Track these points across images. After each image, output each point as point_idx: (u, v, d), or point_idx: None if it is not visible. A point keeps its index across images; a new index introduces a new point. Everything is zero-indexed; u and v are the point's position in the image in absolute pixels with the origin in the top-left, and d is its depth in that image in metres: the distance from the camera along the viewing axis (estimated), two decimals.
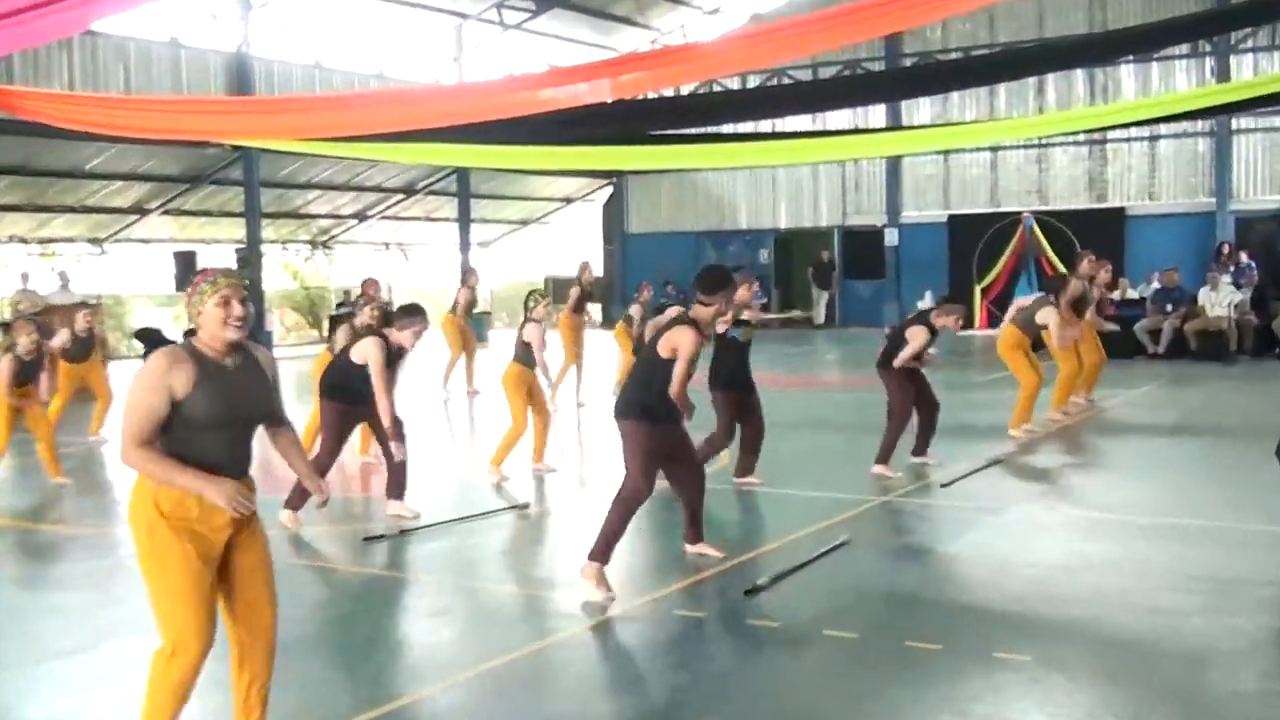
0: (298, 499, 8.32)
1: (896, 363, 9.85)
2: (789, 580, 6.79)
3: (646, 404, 6.81)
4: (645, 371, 6.91)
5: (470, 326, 17.20)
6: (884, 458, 9.98)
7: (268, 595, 4.32)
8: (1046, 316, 12.23)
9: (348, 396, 8.41)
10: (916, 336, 9.89)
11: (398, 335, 8.36)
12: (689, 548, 7.37)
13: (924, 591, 6.67)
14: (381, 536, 8.04)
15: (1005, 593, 6.52)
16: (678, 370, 6.72)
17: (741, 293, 8.60)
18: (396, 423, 8.27)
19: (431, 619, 6.36)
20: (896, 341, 10.04)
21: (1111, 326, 14.34)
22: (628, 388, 7.01)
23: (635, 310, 15.76)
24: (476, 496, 9.46)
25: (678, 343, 6.76)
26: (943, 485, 9.43)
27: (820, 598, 6.53)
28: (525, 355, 10.12)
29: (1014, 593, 6.51)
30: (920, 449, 10.28)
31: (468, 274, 17.68)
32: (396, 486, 8.57)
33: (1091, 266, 13.05)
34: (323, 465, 8.16)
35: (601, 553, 6.66)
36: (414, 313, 8.43)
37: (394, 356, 8.39)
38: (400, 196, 31.00)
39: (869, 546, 7.70)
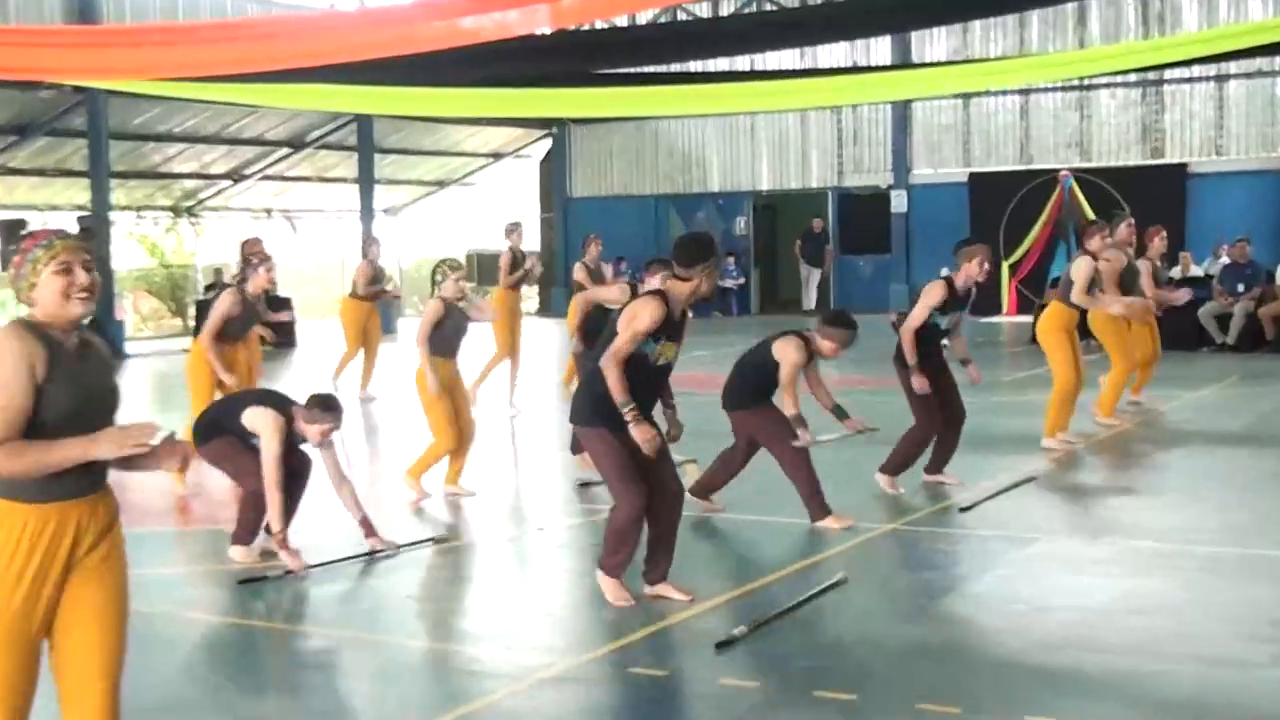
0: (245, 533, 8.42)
1: (906, 326, 9.87)
2: (771, 629, 6.80)
3: (605, 406, 6.92)
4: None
5: (377, 312, 17.10)
6: (893, 468, 10.04)
7: (106, 643, 4.22)
8: (1077, 269, 12.15)
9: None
10: (930, 293, 9.95)
11: (301, 426, 8.25)
12: (648, 589, 7.40)
13: (938, 641, 6.70)
14: (263, 578, 8.00)
15: (1038, 642, 6.57)
16: (617, 342, 6.89)
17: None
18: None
19: (323, 681, 6.33)
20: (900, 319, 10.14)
21: (1180, 297, 14.33)
22: (582, 386, 7.08)
23: (579, 272, 15.65)
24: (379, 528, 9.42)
25: (635, 314, 6.90)
26: (962, 509, 9.49)
27: (810, 651, 6.54)
28: (441, 344, 10.09)
29: (1048, 641, 6.56)
30: (936, 465, 10.34)
31: (369, 244, 17.59)
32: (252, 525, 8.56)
33: (1129, 232, 13.03)
34: (256, 500, 8.25)
35: (619, 567, 7.25)
36: (329, 408, 8.30)
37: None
38: (285, 151, 30.84)
39: (871, 586, 7.72)
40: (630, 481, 7.05)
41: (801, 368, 9.05)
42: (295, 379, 18.94)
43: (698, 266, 7.04)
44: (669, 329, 7.08)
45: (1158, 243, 13.71)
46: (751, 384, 9.27)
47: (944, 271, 11.08)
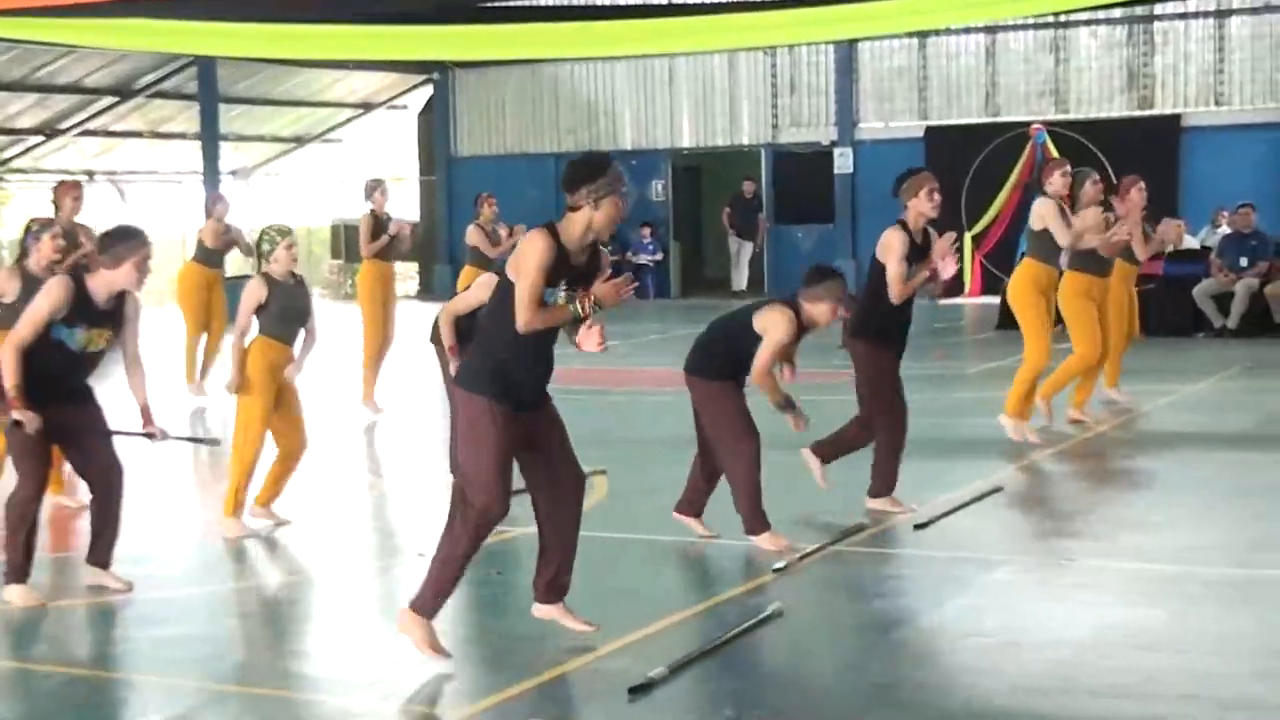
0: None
1: (896, 292, 9.81)
2: (694, 671, 6.79)
3: (498, 372, 6.87)
4: (492, 321, 6.97)
5: (220, 285, 16.87)
6: (884, 487, 10.05)
7: None
8: (1040, 211, 12.41)
9: (35, 395, 8.21)
10: (892, 244, 9.90)
11: (109, 275, 8.16)
12: (537, 609, 7.37)
13: (890, 683, 6.71)
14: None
15: (1009, 682, 6.60)
16: (519, 293, 6.75)
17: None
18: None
19: None
20: (865, 293, 10.12)
21: (1173, 233, 14.43)
22: (473, 348, 7.14)
23: (473, 235, 15.71)
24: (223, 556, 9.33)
25: (521, 254, 6.82)
26: (917, 527, 9.53)
27: (740, 695, 6.53)
28: (271, 326, 9.93)
29: (1022, 682, 6.59)
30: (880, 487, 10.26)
31: (214, 202, 17.46)
32: (104, 545, 8.45)
33: (1096, 191, 13.00)
34: (20, 512, 8.14)
35: (429, 602, 6.93)
36: (127, 236, 8.25)
37: (99, 311, 8.20)
38: (110, 101, 30.52)
39: (811, 618, 7.74)
40: (498, 479, 6.85)
41: (787, 347, 9.00)
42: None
43: (582, 190, 6.88)
44: (569, 272, 6.88)
45: (1135, 194, 13.61)
46: (720, 352, 9.15)
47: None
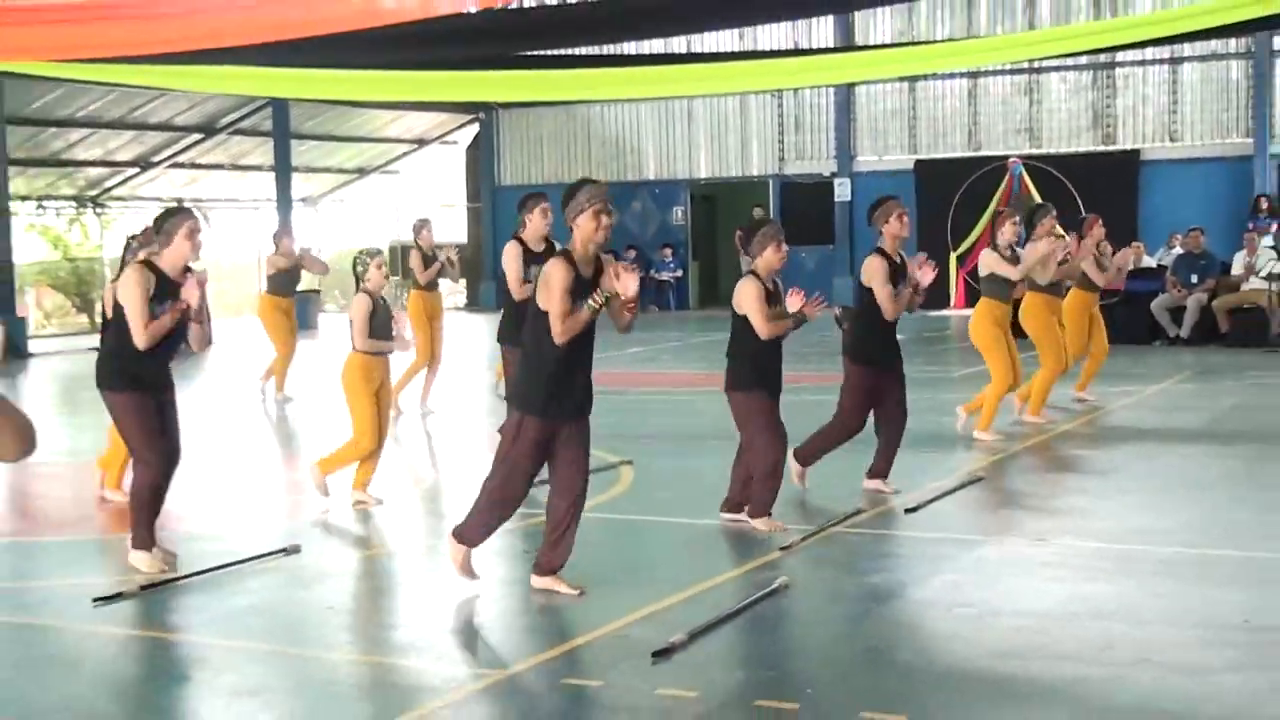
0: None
1: (889, 312, 9.85)
2: (710, 637, 6.81)
3: (547, 387, 7.27)
4: (533, 342, 7.34)
5: (292, 307, 16.78)
6: (807, 457, 10.08)
7: None
8: (985, 261, 12.68)
9: (145, 379, 8.27)
10: (874, 269, 9.90)
11: (169, 252, 8.18)
12: (536, 580, 7.61)
13: (883, 648, 6.73)
14: (119, 595, 7.84)
15: (987, 648, 6.61)
16: (552, 316, 7.16)
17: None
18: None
19: (242, 698, 6.29)
20: (859, 317, 10.10)
21: (1127, 255, 14.44)
22: (519, 371, 7.54)
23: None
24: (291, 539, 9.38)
25: (546, 280, 7.23)
26: (908, 511, 9.55)
27: (750, 659, 6.57)
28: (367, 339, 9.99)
29: (998, 648, 6.60)
30: (880, 469, 10.32)
31: (280, 236, 17.22)
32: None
33: (1050, 225, 13.20)
34: (151, 484, 8.18)
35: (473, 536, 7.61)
36: (170, 214, 8.30)
37: (170, 287, 8.21)
38: (196, 138, 30.61)
39: (814, 591, 7.75)
40: (526, 471, 7.41)
41: (766, 303, 8.86)
42: (212, 384, 18.79)
43: (568, 212, 7.32)
44: (583, 285, 7.25)
45: (1096, 230, 13.95)
46: (736, 353, 9.05)
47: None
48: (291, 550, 8.69)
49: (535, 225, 10.94)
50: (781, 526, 8.94)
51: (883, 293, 9.82)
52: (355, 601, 8.05)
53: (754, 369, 8.96)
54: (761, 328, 8.80)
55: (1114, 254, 14.52)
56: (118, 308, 8.25)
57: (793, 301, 8.89)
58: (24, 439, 3.57)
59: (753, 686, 6.13)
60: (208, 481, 11.14)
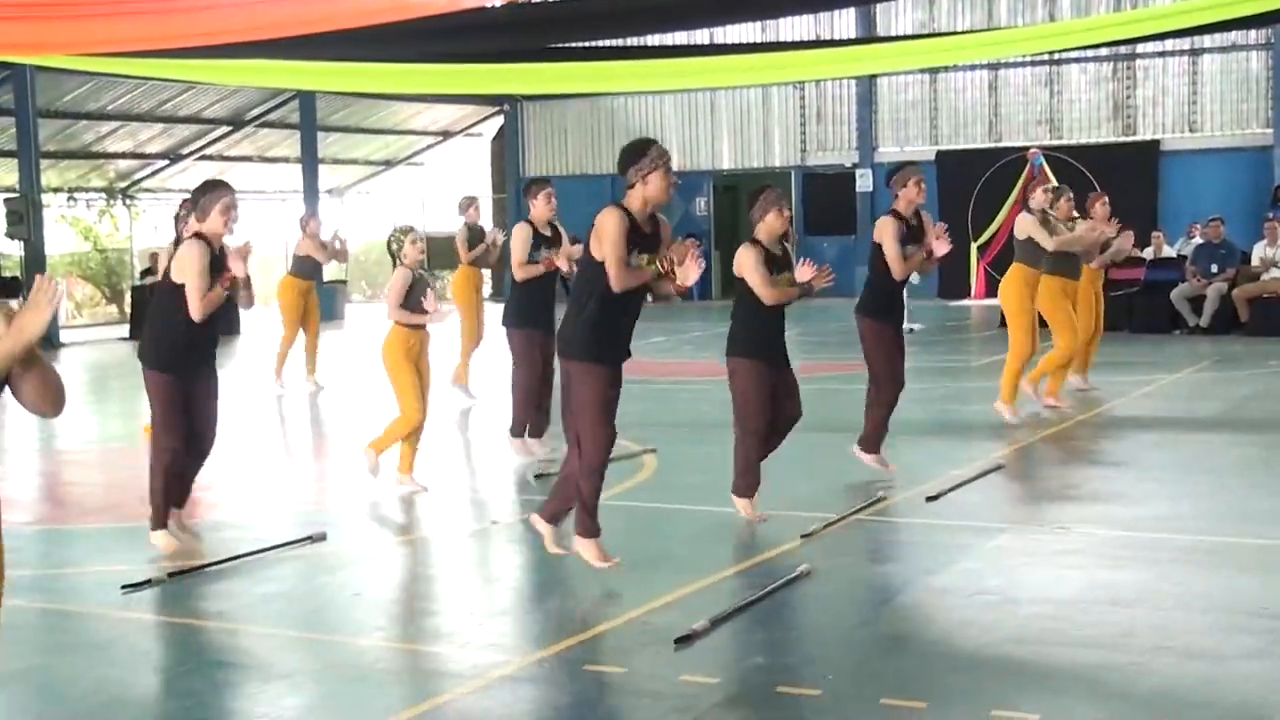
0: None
1: (897, 271, 9.85)
2: (732, 624, 6.82)
3: (596, 332, 7.36)
4: (583, 290, 7.38)
5: (314, 293, 16.83)
6: (872, 444, 10.13)
7: None
8: (1023, 224, 12.75)
9: (182, 362, 8.30)
10: (886, 229, 9.90)
11: (209, 226, 8.23)
12: (534, 517, 7.98)
13: (904, 635, 6.75)
14: (147, 582, 7.88)
15: (1007, 635, 6.61)
16: (609, 264, 7.18)
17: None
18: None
19: (269, 683, 6.32)
20: (869, 291, 10.13)
21: (1123, 241, 14.42)
22: (566, 321, 7.57)
23: (563, 254, 15.31)
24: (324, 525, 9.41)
25: (600, 228, 7.25)
26: (929, 499, 9.54)
27: (772, 646, 6.57)
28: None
29: (1018, 635, 6.61)
30: (869, 444, 10.30)
31: (306, 221, 17.15)
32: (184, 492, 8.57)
33: (1069, 207, 13.34)
34: (166, 465, 8.25)
35: (586, 523, 7.62)
36: (205, 189, 8.37)
37: (218, 260, 8.27)
38: (224, 130, 30.70)
39: (835, 578, 7.75)
40: (604, 422, 7.41)
41: (768, 267, 8.71)
42: (237, 370, 18.85)
43: (630, 170, 7.31)
44: (640, 239, 7.30)
45: (1099, 208, 13.99)
46: (736, 318, 8.93)
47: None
48: (317, 538, 8.73)
49: (540, 209, 11.18)
50: (761, 518, 8.88)
51: (892, 250, 9.85)
52: (382, 588, 8.07)
53: (751, 337, 8.83)
54: (763, 291, 8.63)
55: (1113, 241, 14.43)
56: (164, 286, 8.33)
57: (804, 271, 8.86)
58: (61, 398, 4.35)
59: (774, 673, 6.14)
60: (236, 469, 11.18)
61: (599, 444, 7.41)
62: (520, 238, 11.12)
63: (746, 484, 8.89)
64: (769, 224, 8.78)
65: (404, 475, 10.21)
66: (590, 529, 7.59)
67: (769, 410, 8.83)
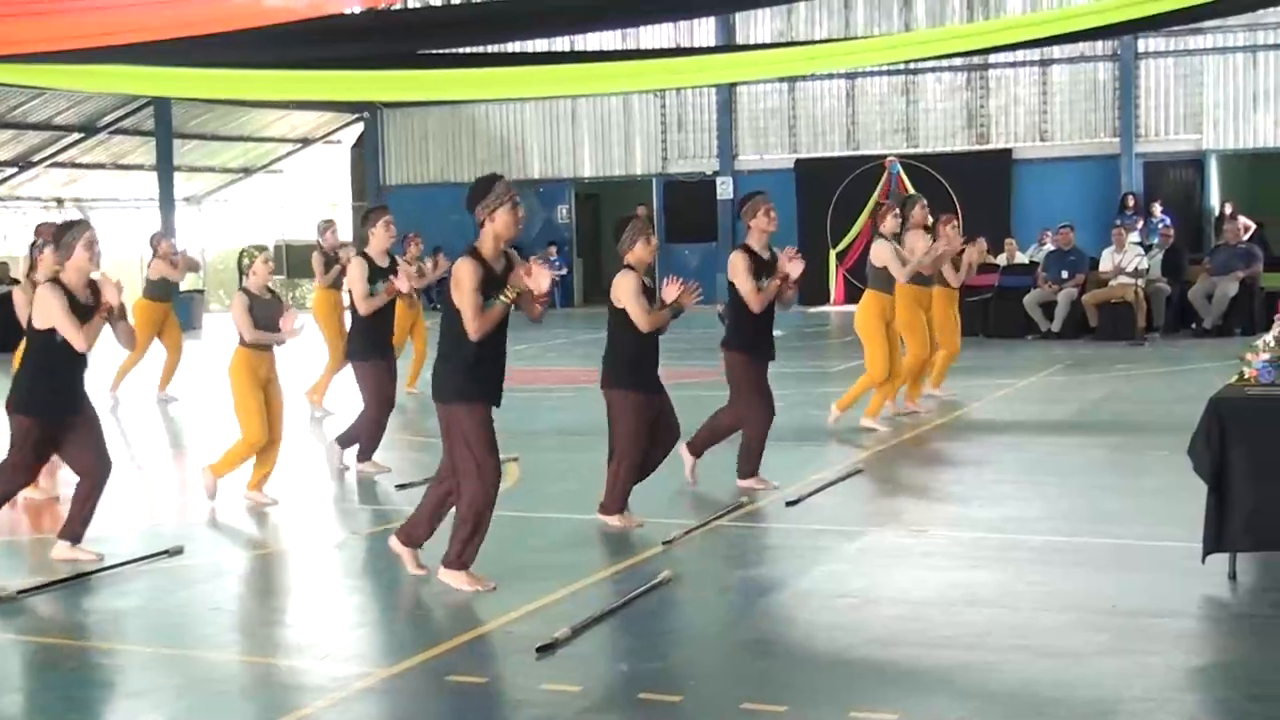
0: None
1: (753, 304, 9.81)
2: (594, 632, 6.81)
3: (472, 375, 7.36)
4: (450, 340, 7.37)
5: (172, 314, 16.57)
6: (751, 470, 10.06)
7: None
8: (879, 252, 12.83)
9: (46, 406, 8.21)
10: (738, 265, 9.88)
11: (71, 267, 8.16)
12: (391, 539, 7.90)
13: (765, 639, 6.77)
14: (38, 588, 7.71)
15: (868, 636, 6.67)
16: (465, 315, 7.22)
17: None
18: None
19: (125, 699, 6.19)
20: (734, 326, 10.09)
21: (976, 252, 14.65)
22: (438, 366, 7.53)
23: (402, 275, 15.34)
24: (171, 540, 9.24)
25: (456, 279, 7.26)
26: (789, 503, 9.59)
27: (634, 652, 6.56)
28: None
29: (877, 636, 6.66)
30: (745, 470, 10.21)
31: (158, 241, 16.91)
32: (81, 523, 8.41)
33: (923, 214, 13.51)
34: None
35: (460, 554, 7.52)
36: (69, 226, 8.32)
37: (83, 304, 8.18)
38: (77, 137, 30.13)
39: (696, 584, 7.77)
40: (493, 455, 7.39)
41: (643, 300, 8.83)
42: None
43: (478, 208, 7.33)
44: (494, 281, 7.29)
45: (949, 231, 13.98)
46: (612, 347, 9.03)
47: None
48: (174, 551, 8.57)
49: (379, 238, 11.07)
50: (637, 523, 8.92)
51: (746, 286, 9.85)
52: (240, 602, 7.96)
53: (630, 367, 8.94)
54: (641, 320, 8.78)
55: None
56: (31, 331, 8.25)
57: (669, 291, 8.90)
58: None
59: (637, 679, 6.13)
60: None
61: (492, 479, 7.39)
62: (357, 274, 10.96)
63: (615, 505, 8.95)
64: (638, 254, 8.90)
65: (252, 491, 10.04)
66: (466, 561, 7.54)
67: (646, 438, 8.94)
